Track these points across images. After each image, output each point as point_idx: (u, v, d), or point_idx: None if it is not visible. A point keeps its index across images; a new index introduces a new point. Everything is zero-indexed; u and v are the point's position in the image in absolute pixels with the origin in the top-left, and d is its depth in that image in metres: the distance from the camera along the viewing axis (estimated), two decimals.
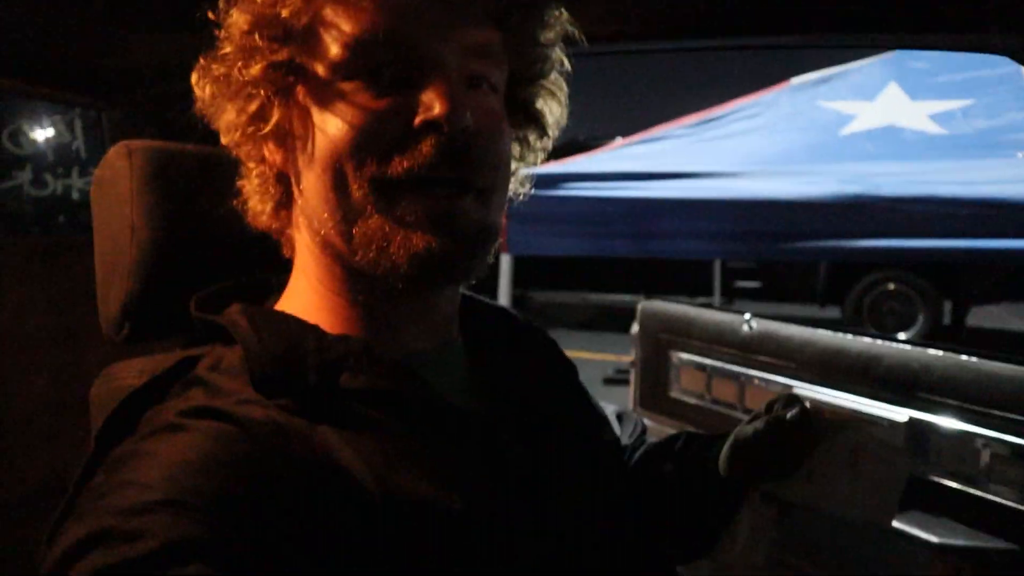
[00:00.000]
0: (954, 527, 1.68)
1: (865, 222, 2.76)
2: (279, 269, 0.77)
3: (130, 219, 0.85)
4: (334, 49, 0.61)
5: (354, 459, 0.58)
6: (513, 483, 0.67)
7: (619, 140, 6.34)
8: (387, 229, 0.62)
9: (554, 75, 0.76)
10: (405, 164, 0.61)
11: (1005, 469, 1.64)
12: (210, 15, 0.66)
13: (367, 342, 0.65)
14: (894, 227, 2.76)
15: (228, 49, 0.64)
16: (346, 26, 0.61)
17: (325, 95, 0.63)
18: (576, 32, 0.74)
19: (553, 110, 0.77)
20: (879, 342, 1.88)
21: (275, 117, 0.65)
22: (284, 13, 0.61)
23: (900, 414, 1.78)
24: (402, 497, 0.58)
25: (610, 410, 0.98)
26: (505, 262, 3.64)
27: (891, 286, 6.63)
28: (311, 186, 0.65)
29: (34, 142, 1.72)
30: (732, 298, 7.73)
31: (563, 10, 0.72)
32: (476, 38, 0.65)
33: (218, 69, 0.65)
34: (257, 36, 0.62)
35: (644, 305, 2.44)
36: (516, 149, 0.77)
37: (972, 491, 1.68)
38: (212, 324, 0.69)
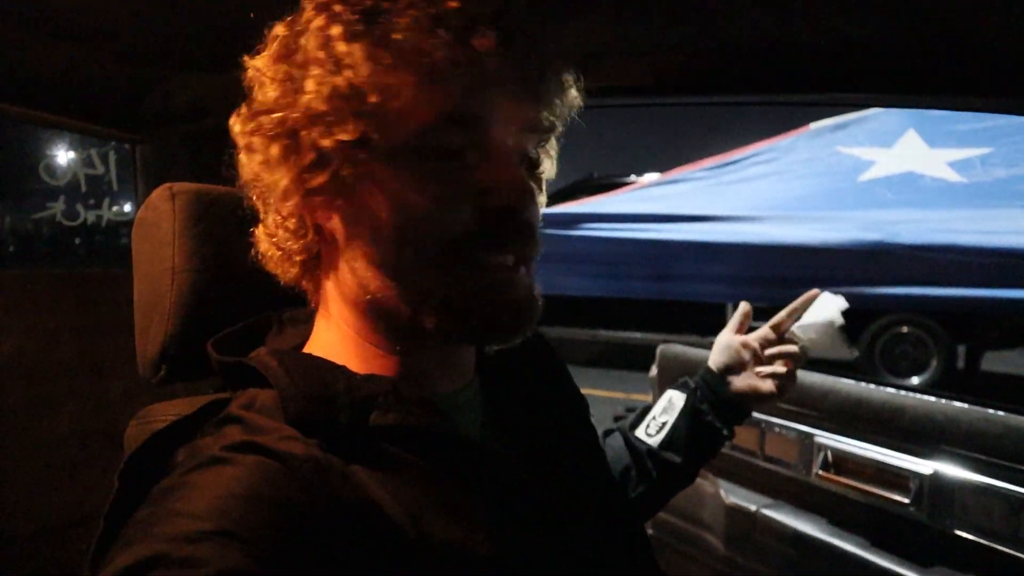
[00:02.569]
0: None
1: (885, 270, 2.75)
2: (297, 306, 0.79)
3: (171, 262, 0.86)
4: (409, 127, 0.62)
5: (388, 499, 0.60)
6: (533, 523, 0.69)
7: (634, 178, 6.38)
8: (455, 301, 0.65)
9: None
10: (478, 244, 0.64)
11: None
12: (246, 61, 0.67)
13: (395, 381, 0.67)
14: (914, 275, 2.74)
15: (296, 114, 0.64)
16: (423, 106, 0.62)
17: (397, 171, 0.63)
18: (585, 90, 0.76)
19: (552, 166, 0.80)
20: (903, 393, 1.86)
21: (350, 187, 0.65)
22: (363, 88, 0.61)
23: (924, 466, 1.76)
24: (435, 539, 0.60)
25: None
26: None
27: (904, 329, 6.57)
28: (372, 254, 0.66)
29: (69, 174, 1.75)
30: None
31: (580, 76, 0.74)
32: (530, 116, 0.68)
33: (272, 128, 0.65)
34: (331, 107, 0.62)
35: (663, 348, 2.43)
36: None
37: (997, 547, 1.65)
38: (239, 367, 0.70)
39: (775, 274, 2.91)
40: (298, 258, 0.72)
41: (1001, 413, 1.68)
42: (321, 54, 0.63)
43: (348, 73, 0.61)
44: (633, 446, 1.13)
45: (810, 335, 1.18)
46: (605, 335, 8.51)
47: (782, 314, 1.20)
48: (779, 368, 1.16)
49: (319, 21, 0.63)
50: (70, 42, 1.17)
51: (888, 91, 1.08)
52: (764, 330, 1.21)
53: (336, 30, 0.62)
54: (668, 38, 1.12)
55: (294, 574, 0.52)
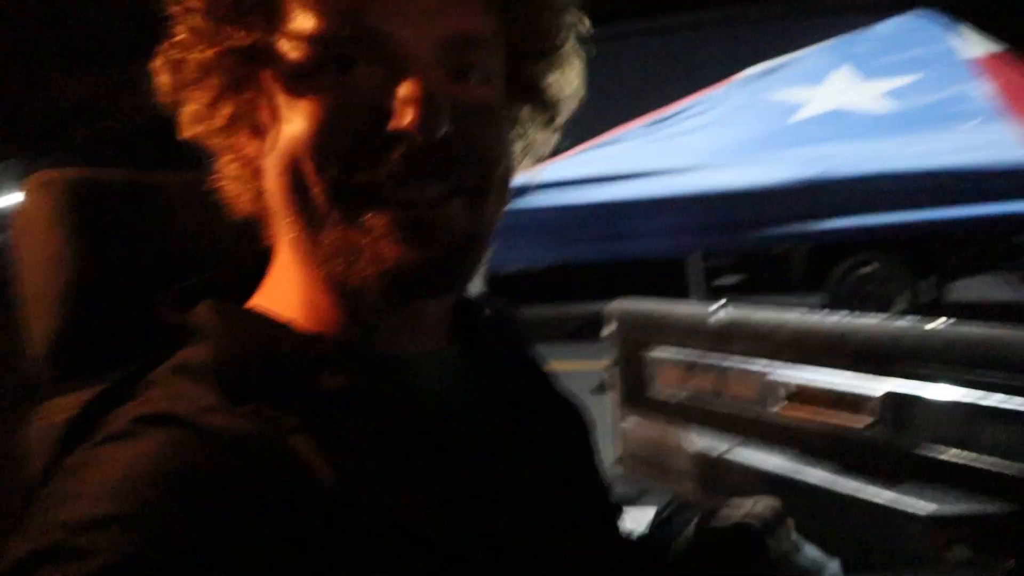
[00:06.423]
0: (944, 496, 1.66)
1: (828, 202, 2.77)
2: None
3: (51, 251, 0.82)
4: (299, 38, 0.56)
5: (327, 469, 0.54)
6: (491, 502, 0.63)
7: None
8: (353, 241, 0.56)
9: (567, 44, 0.68)
10: (371, 173, 0.55)
11: (989, 431, 1.63)
12: None
13: (343, 342, 0.61)
14: (858, 204, 2.77)
15: (183, 34, 0.58)
16: (313, 12, 0.55)
17: (290, 86, 0.57)
18: None
19: (569, 81, 0.70)
20: (849, 318, 1.88)
21: (228, 108, 0.60)
22: None
23: (877, 386, 1.77)
24: (379, 514, 0.55)
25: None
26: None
27: (869, 268, 6.65)
28: (273, 184, 0.60)
29: None
30: (715, 296, 7.72)
31: None
32: (463, 25, 0.58)
33: (173, 54, 0.59)
34: (210, 18, 0.57)
35: (614, 305, 2.42)
36: (521, 131, 0.71)
37: (959, 460, 1.67)
38: (176, 325, 0.63)
39: (722, 220, 2.92)
40: (248, 194, 0.64)
41: (941, 326, 1.70)
42: None
43: None
44: None
45: None
46: (575, 309, 8.52)
47: None
48: None
49: None
50: None
51: None
52: None
53: None
54: None
55: (203, 556, 0.47)
